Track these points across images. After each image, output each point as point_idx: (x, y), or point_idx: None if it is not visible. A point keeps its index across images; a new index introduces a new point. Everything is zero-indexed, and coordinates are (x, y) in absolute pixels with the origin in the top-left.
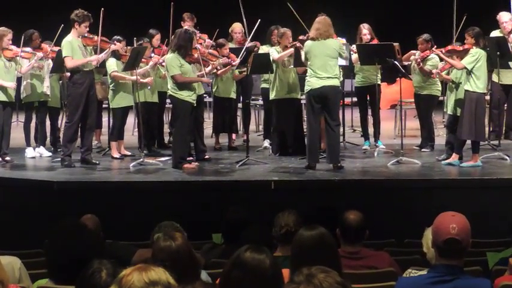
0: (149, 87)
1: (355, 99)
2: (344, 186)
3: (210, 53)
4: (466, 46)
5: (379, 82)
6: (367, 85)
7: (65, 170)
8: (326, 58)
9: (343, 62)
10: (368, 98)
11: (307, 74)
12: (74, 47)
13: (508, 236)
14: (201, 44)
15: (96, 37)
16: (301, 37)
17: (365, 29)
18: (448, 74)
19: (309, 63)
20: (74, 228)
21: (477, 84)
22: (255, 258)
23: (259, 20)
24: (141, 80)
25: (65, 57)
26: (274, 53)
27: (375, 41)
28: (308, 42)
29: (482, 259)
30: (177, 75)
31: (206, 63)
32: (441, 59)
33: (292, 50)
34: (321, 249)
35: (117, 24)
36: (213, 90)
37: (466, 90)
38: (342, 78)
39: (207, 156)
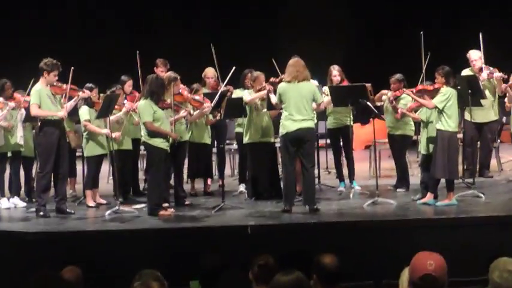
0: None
1: (328, 141)
2: (321, 229)
3: (195, 99)
4: (436, 85)
5: (351, 123)
6: (339, 126)
7: (40, 221)
8: (301, 100)
9: (314, 105)
10: (341, 139)
11: (281, 117)
12: (42, 96)
13: (485, 274)
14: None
15: (65, 85)
16: (272, 79)
17: (335, 70)
18: (415, 112)
19: (283, 105)
20: (48, 281)
21: (449, 123)
22: None
23: (234, 67)
24: (111, 135)
25: (31, 104)
26: (246, 94)
27: (345, 83)
28: (282, 85)
29: None
30: (147, 123)
31: (178, 109)
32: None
33: (264, 92)
34: None
35: (88, 72)
36: (188, 136)
37: (438, 130)
38: (315, 121)
39: (187, 202)
